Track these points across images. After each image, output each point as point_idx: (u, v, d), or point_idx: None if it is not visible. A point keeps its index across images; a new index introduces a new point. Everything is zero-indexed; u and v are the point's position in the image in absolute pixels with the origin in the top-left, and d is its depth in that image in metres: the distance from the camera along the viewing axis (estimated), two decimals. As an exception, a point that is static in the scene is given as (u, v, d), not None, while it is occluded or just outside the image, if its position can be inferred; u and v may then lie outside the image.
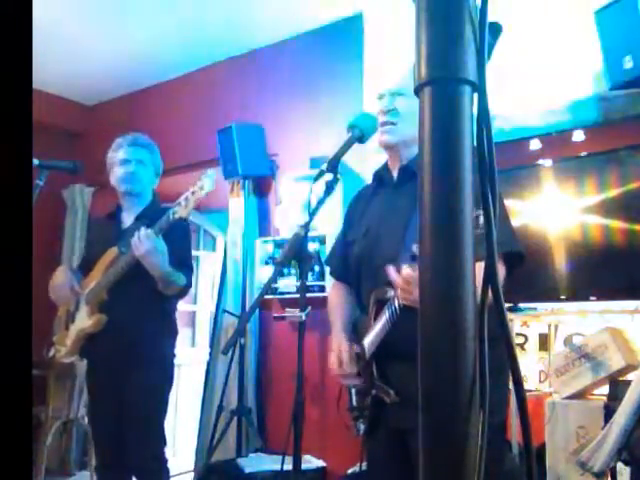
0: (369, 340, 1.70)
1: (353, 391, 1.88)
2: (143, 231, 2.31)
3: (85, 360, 2.69)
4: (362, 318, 1.85)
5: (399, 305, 1.50)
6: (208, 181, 2.27)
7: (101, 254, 2.54)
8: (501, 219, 1.57)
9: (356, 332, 1.84)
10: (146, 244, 2.31)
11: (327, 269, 2.14)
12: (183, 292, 2.55)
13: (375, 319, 1.68)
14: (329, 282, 2.40)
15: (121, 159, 2.60)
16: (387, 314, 1.57)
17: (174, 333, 2.65)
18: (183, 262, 2.50)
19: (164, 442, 2.56)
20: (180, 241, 2.51)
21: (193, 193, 2.26)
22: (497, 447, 1.71)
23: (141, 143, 2.64)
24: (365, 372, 1.75)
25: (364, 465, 1.84)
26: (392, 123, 1.74)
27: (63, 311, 2.68)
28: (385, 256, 1.65)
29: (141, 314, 2.48)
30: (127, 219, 2.64)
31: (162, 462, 2.51)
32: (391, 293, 1.58)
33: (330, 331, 1.92)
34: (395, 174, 1.82)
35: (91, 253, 2.67)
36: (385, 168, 1.89)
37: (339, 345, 1.80)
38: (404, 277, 1.43)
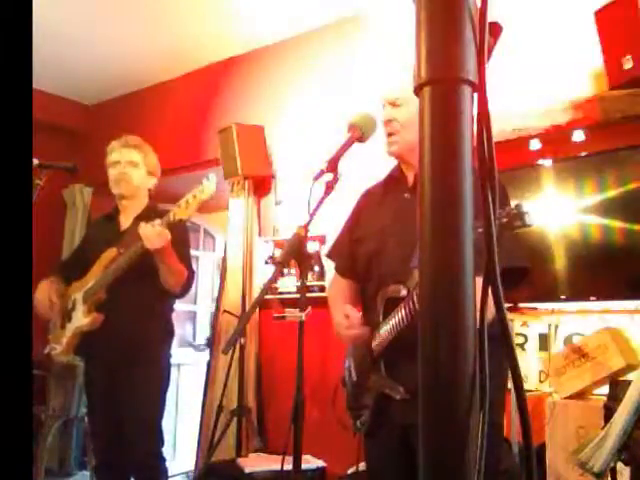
0: (379, 339, 1.70)
1: (350, 390, 1.89)
2: (156, 227, 2.32)
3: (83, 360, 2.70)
4: (366, 316, 1.85)
5: (414, 304, 1.50)
6: (209, 185, 2.32)
7: (99, 254, 2.54)
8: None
9: None
10: (166, 236, 2.32)
11: (330, 264, 2.11)
12: (185, 288, 2.55)
13: (384, 318, 1.69)
14: (329, 281, 2.40)
15: (112, 161, 2.63)
16: (402, 312, 1.56)
17: (170, 334, 2.67)
18: (183, 260, 2.51)
19: (162, 441, 2.58)
20: (179, 241, 2.51)
21: (195, 196, 2.30)
22: (496, 445, 1.72)
23: (132, 144, 2.65)
24: (373, 370, 1.75)
25: (362, 465, 1.83)
26: (393, 134, 1.78)
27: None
28: (398, 257, 1.65)
29: (138, 314, 2.50)
30: (125, 221, 2.65)
31: (160, 460, 2.53)
32: (404, 292, 1.57)
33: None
34: (411, 178, 1.85)
35: (88, 252, 2.66)
36: (399, 171, 1.91)
37: (344, 309, 1.78)
38: None
